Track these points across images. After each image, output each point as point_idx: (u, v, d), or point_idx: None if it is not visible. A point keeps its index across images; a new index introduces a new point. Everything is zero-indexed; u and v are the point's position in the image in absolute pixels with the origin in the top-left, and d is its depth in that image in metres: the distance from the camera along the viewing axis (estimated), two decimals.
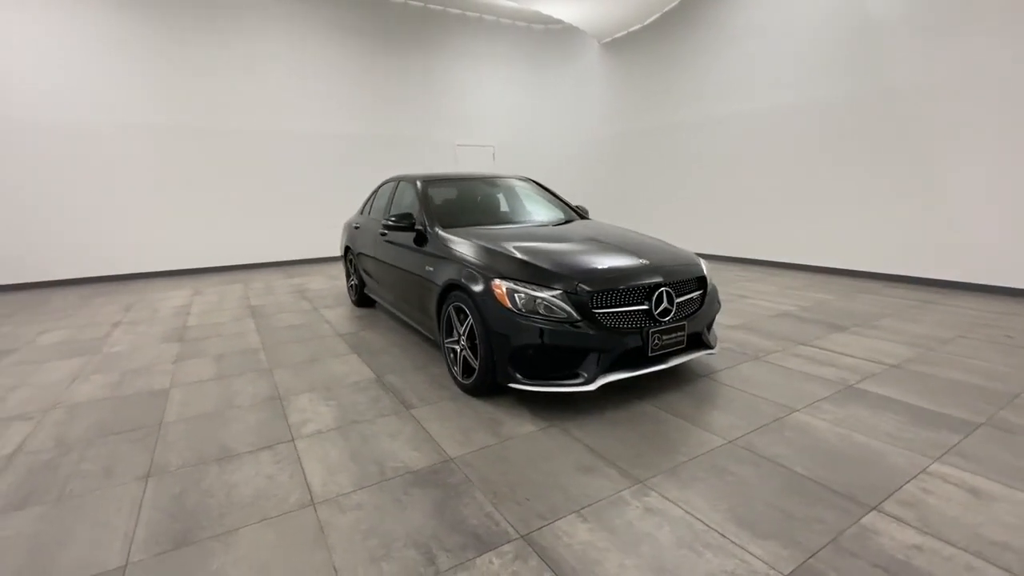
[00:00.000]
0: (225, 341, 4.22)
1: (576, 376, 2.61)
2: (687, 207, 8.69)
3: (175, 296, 6.26)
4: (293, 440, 2.49)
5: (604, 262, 2.87)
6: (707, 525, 1.78)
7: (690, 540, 1.71)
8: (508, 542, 1.73)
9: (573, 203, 4.57)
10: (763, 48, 7.14)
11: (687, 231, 8.65)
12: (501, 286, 2.67)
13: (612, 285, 2.66)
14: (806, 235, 6.92)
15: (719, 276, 6.68)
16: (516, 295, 2.62)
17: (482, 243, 3.12)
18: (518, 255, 2.88)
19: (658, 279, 2.77)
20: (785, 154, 7.04)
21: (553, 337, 2.54)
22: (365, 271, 4.94)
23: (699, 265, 3.13)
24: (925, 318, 4.42)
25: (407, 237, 3.79)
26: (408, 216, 3.74)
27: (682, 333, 2.81)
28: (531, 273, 2.71)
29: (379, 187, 5.05)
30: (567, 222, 4.02)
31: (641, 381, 3.09)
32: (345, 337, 4.26)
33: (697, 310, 2.99)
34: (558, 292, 2.61)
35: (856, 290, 5.65)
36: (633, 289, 2.70)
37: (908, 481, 2.02)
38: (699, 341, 3.05)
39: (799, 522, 1.79)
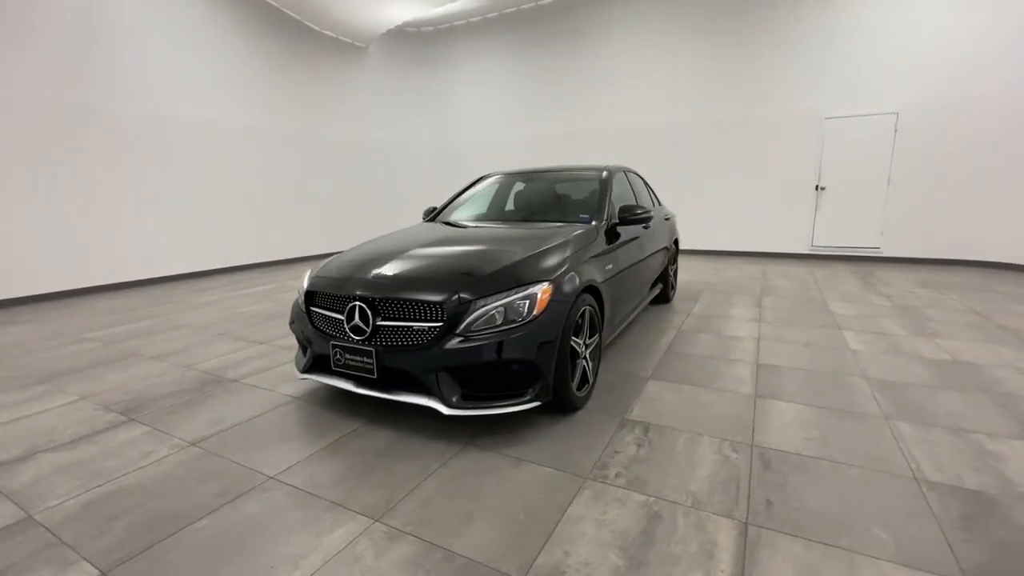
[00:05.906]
0: None
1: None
2: None
3: None
4: (258, 344, 3.90)
5: (373, 266, 2.60)
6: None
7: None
8: (124, 426, 2.56)
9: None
10: None
11: None
12: None
13: (318, 287, 2.61)
14: None
15: None
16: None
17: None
18: (352, 246, 3.12)
19: (356, 292, 2.40)
20: None
21: (294, 323, 2.76)
22: None
23: (447, 292, 2.23)
24: None
25: None
26: (434, 209, 4.13)
27: (369, 360, 2.26)
28: (328, 263, 2.87)
29: None
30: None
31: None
32: None
33: (425, 344, 2.16)
34: (306, 285, 2.72)
35: None
36: (335, 297, 2.50)
37: None
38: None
39: None
